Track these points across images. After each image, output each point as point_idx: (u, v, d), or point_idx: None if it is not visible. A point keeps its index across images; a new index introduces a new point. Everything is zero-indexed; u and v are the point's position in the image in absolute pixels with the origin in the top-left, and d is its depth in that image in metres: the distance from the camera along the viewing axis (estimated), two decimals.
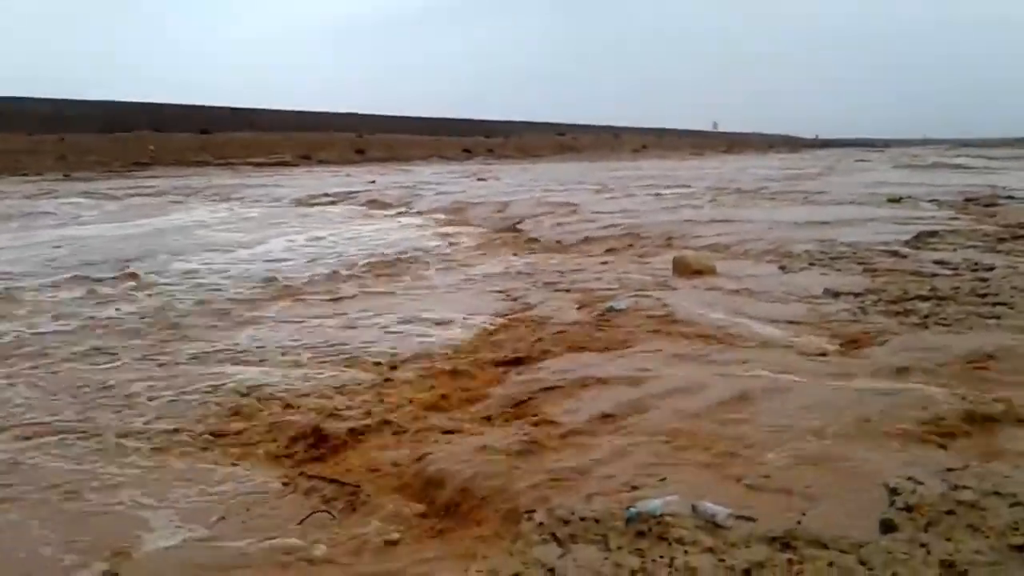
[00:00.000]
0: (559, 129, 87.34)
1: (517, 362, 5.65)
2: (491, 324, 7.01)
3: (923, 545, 2.53)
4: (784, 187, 23.03)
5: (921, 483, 3.03)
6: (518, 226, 14.63)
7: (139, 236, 13.38)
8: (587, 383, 4.83)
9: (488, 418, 4.51)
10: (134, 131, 45.46)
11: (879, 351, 5.36)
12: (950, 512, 2.73)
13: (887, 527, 2.73)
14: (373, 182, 27.83)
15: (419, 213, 17.66)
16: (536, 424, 4.15)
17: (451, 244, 12.42)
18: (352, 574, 2.89)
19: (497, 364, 5.64)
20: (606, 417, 4.19)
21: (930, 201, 17.05)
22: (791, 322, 6.41)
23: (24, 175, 30.82)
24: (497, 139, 67.26)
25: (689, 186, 24.23)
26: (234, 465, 4.11)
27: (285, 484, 3.78)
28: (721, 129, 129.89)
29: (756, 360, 5.14)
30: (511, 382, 5.12)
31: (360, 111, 72.26)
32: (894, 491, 2.98)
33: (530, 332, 6.49)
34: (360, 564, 2.95)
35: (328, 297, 8.43)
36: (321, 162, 42.88)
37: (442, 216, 16.72)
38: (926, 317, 6.33)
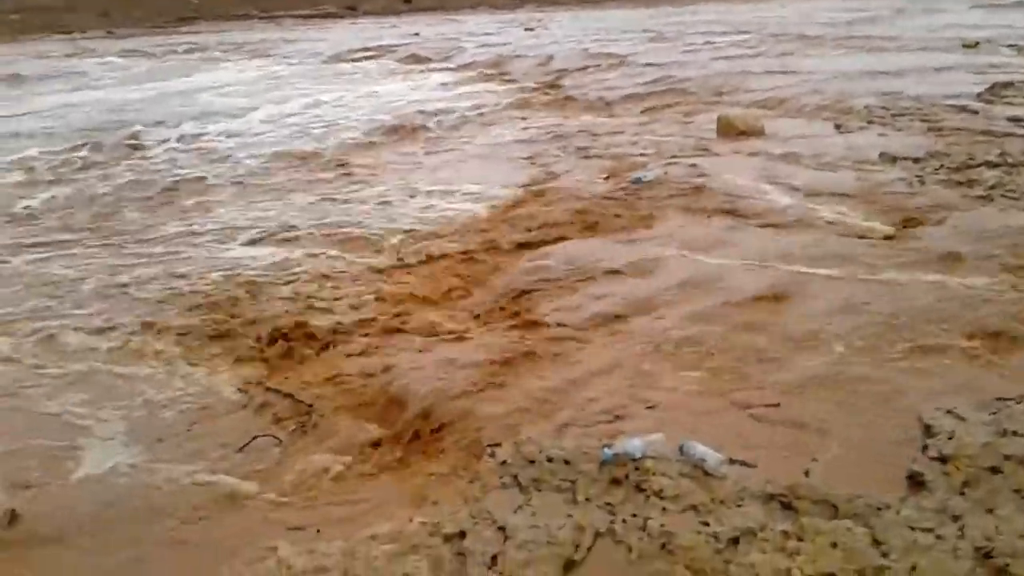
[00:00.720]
0: None
1: (526, 245, 5.12)
2: (510, 197, 6.44)
3: (956, 519, 2.01)
4: (851, 31, 21.35)
5: (963, 419, 2.49)
6: (559, 82, 13.72)
7: (156, 99, 12.85)
8: (593, 274, 4.30)
9: (478, 316, 4.04)
10: None
11: (933, 233, 4.68)
12: (994, 470, 2.19)
13: (915, 483, 2.22)
14: (416, 34, 26.62)
15: (458, 67, 16.74)
16: (525, 326, 3.67)
17: (483, 103, 11.66)
18: (277, 519, 2.50)
19: (505, 248, 5.11)
20: (604, 319, 3.69)
21: (1010, 46, 15.53)
22: (838, 194, 5.71)
23: (69, 33, 30.28)
24: None
25: (748, 31, 22.62)
26: (193, 366, 3.75)
27: (242, 392, 3.40)
28: None
29: (790, 245, 4.53)
30: (513, 271, 4.62)
31: None
32: (928, 430, 2.45)
33: (548, 208, 5.91)
34: (291, 506, 2.57)
35: (339, 166, 7.91)
36: (367, 13, 41.30)
37: (481, 71, 15.80)
38: (992, 188, 5.57)
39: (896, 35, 19.39)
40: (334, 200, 6.57)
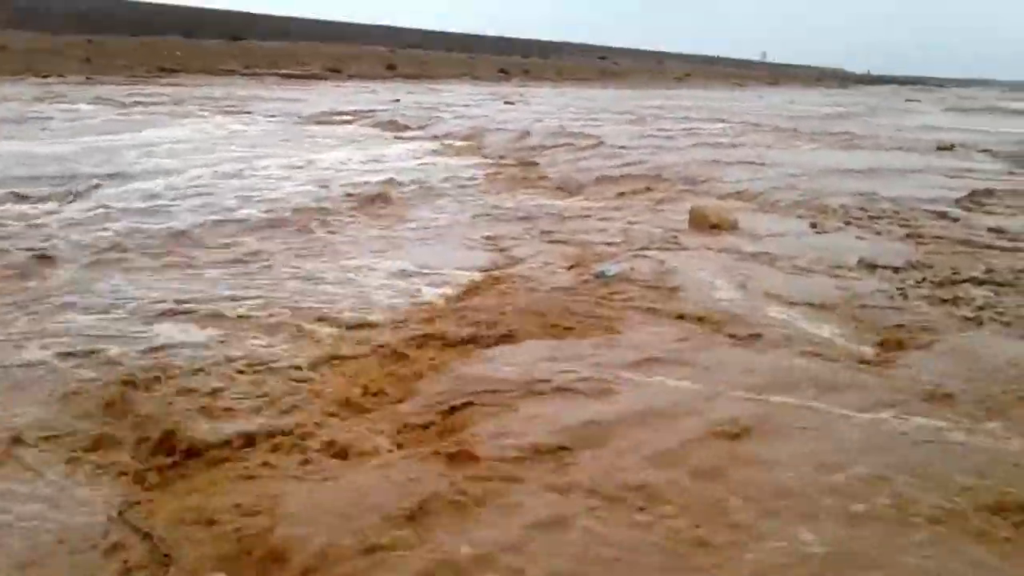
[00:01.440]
0: (601, 52, 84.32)
1: (472, 341, 4.56)
2: (465, 283, 5.90)
3: None
4: (826, 126, 21.38)
5: None
6: (533, 158, 13.37)
7: (87, 152, 12.17)
8: (540, 389, 3.74)
9: (403, 430, 3.45)
10: (165, 35, 44.14)
11: (919, 360, 4.19)
12: None
13: None
14: (397, 101, 26.45)
15: (434, 137, 16.39)
16: (452, 457, 3.07)
17: (453, 177, 11.21)
18: None
19: (448, 344, 4.55)
20: (549, 451, 3.11)
21: (984, 151, 15.47)
22: (815, 305, 5.22)
23: (45, 77, 29.81)
24: (535, 59, 64.97)
25: (724, 120, 22.62)
26: (66, 478, 3.12)
27: (108, 520, 2.78)
28: (770, 60, 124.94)
29: (760, 366, 4.01)
30: (454, 374, 4.04)
31: (391, 24, 70.12)
32: None
33: (502, 299, 5.37)
34: None
35: (290, 235, 7.34)
36: (351, 76, 41.34)
37: (456, 143, 15.45)
38: (980, 309, 5.12)
39: (872, 133, 19.38)
40: (270, 276, 5.99)
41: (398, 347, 4.52)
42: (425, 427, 3.46)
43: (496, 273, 6.20)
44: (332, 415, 3.63)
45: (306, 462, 3.12)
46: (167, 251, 6.63)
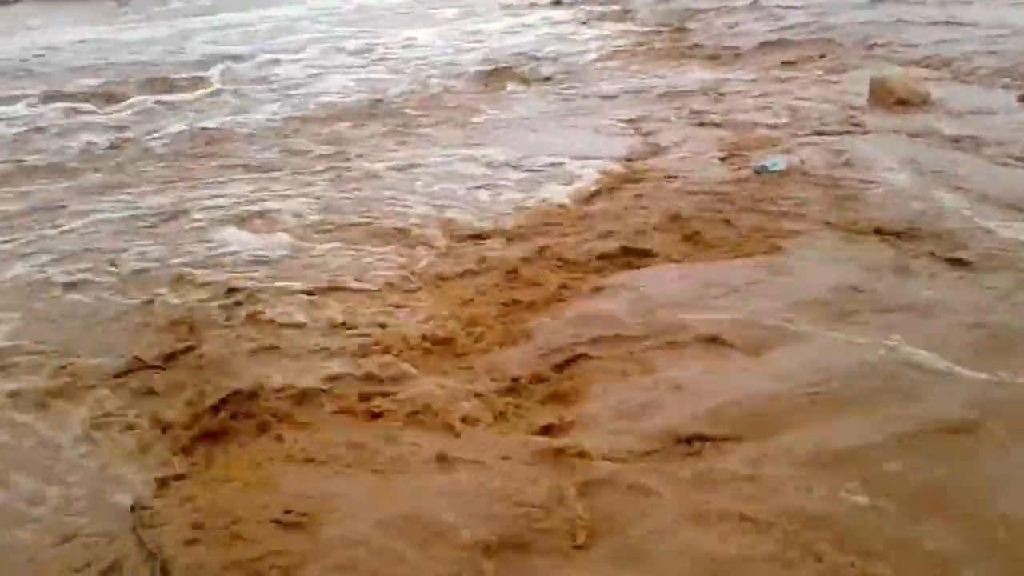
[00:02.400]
0: None
1: (600, 260, 3.70)
2: (597, 179, 4.98)
3: None
4: None
5: None
6: (685, 24, 11.88)
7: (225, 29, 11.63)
8: (680, 337, 2.86)
9: (501, 393, 2.68)
10: None
11: None
12: None
13: None
14: None
15: (575, 3, 15.01)
16: (556, 454, 2.26)
17: (594, 48, 10.03)
18: None
19: (571, 263, 3.71)
20: (688, 441, 2.26)
21: None
22: None
23: None
24: None
25: None
26: (93, 445, 2.56)
27: (129, 511, 2.17)
28: None
29: (993, 305, 2.97)
30: (570, 312, 3.21)
31: None
32: None
33: (639, 201, 4.43)
34: None
35: (398, 121, 6.56)
36: None
37: (600, 8, 14.04)
38: None
39: None
40: (377, 170, 5.26)
41: (512, 265, 3.72)
42: (529, 389, 2.68)
43: (635, 165, 5.22)
44: (431, 353, 2.93)
45: (373, 442, 2.40)
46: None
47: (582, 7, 14.08)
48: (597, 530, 1.91)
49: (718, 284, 3.28)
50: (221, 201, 4.75)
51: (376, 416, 2.57)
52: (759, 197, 4.33)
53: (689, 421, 2.33)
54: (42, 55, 10.21)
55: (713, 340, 2.81)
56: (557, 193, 4.73)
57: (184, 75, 8.56)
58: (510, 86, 7.93)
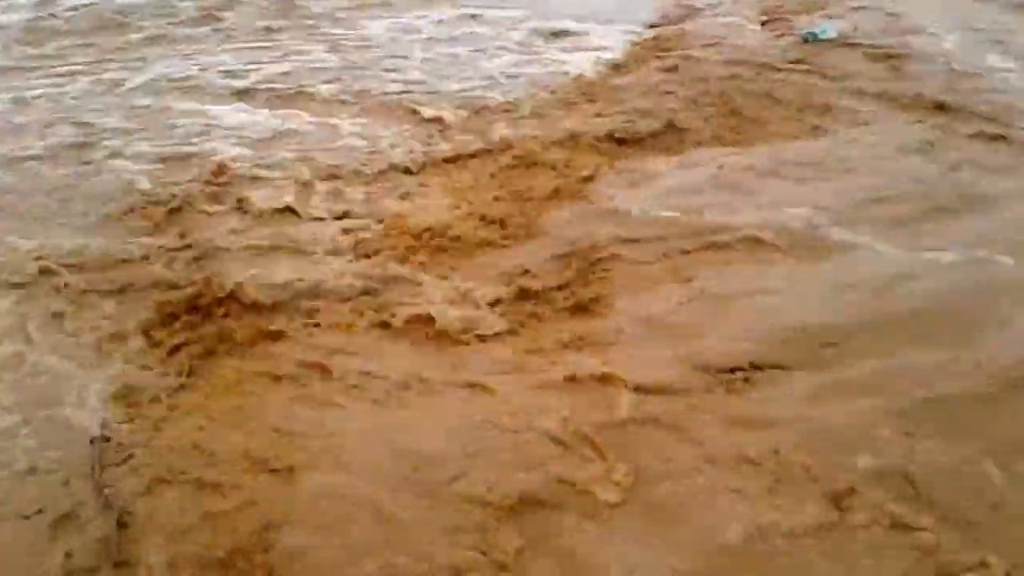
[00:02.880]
0: None
1: (625, 143, 3.30)
2: (621, 47, 4.49)
3: None
4: None
5: None
6: None
7: None
8: (721, 237, 2.51)
9: (520, 294, 2.36)
10: None
11: None
12: None
13: None
14: None
15: None
16: (602, 380, 1.96)
17: None
18: None
19: (593, 145, 3.31)
20: (733, 370, 1.95)
21: None
22: None
23: None
24: None
25: None
26: (56, 353, 2.28)
27: (94, 439, 1.91)
28: None
29: None
30: (592, 206, 2.85)
31: None
32: None
33: (669, 74, 3.97)
34: None
35: None
36: None
37: None
38: None
39: None
40: (372, 34, 4.79)
41: (529, 148, 3.32)
42: (548, 296, 2.35)
43: (667, 31, 4.71)
44: (439, 249, 2.61)
45: (382, 359, 2.10)
46: None
47: None
48: (626, 484, 1.63)
49: (764, 173, 2.89)
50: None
51: (379, 327, 2.26)
52: (806, 68, 3.87)
53: (734, 348, 2.01)
54: None
55: (759, 243, 2.46)
56: (580, 63, 4.26)
57: None
58: None
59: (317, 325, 2.31)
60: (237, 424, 1.89)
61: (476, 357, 2.11)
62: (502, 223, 2.81)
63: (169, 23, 5.09)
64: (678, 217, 2.65)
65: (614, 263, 2.45)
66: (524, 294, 2.39)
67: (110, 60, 4.55)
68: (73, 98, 4.03)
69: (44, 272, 2.62)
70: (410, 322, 2.29)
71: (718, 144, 3.23)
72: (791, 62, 3.95)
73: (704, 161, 3.07)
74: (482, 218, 2.85)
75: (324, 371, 2.08)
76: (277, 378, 2.07)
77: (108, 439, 1.86)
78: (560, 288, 2.41)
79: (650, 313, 2.20)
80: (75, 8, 5.35)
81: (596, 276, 2.42)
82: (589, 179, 3.02)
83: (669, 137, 3.31)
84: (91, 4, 5.40)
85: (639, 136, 3.33)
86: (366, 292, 2.46)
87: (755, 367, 1.93)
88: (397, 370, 2.06)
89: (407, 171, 3.22)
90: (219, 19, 5.14)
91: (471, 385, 1.99)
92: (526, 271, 2.49)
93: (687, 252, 2.46)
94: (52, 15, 5.25)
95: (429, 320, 2.28)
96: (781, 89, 3.63)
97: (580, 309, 2.31)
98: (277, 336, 2.27)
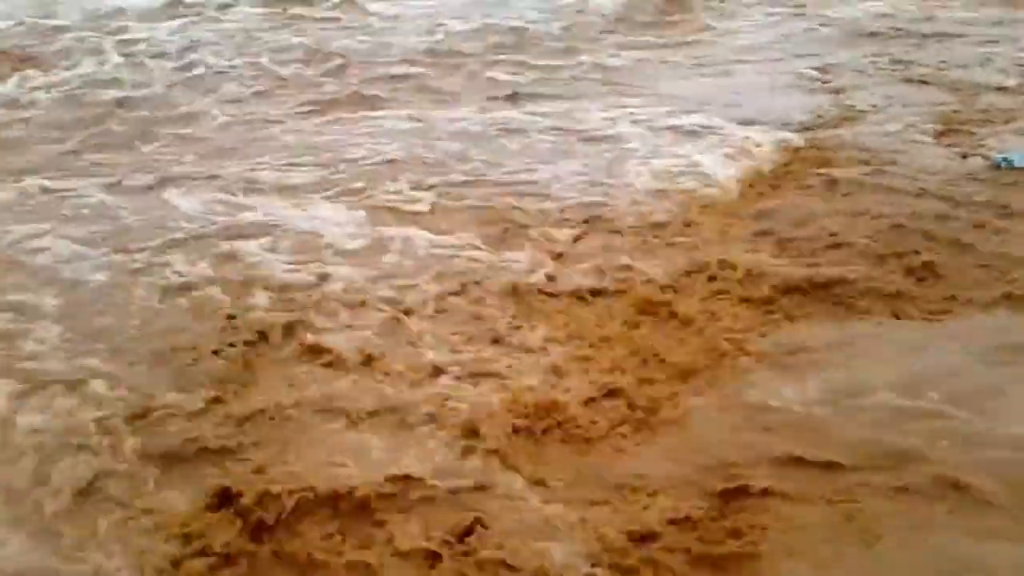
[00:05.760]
0: None
1: (787, 293, 2.66)
2: (768, 155, 3.86)
3: None
4: None
5: None
6: None
7: None
8: (914, 484, 1.83)
9: (637, 538, 1.77)
10: None
11: None
12: None
13: None
14: None
15: None
16: None
17: None
18: None
19: (741, 294, 2.68)
20: None
21: None
22: None
23: None
24: None
25: None
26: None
27: None
28: None
29: None
30: (735, 393, 2.21)
31: None
32: None
33: (835, 200, 3.31)
34: None
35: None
36: None
37: None
38: None
39: None
40: (499, 123, 4.30)
41: (660, 289, 2.72)
42: (673, 538, 1.74)
43: (823, 137, 4.04)
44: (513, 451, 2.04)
45: None
46: None
47: None
48: None
49: (969, 372, 2.20)
50: None
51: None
52: (1005, 205, 3.14)
53: None
54: None
55: (959, 489, 1.77)
56: (715, 174, 3.64)
57: None
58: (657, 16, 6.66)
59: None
60: None
61: None
62: (623, 403, 2.21)
63: None
64: (855, 432, 1.98)
65: (767, 501, 1.80)
66: (640, 536, 1.77)
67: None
68: None
69: None
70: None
71: (894, 309, 2.54)
72: (984, 195, 3.23)
73: (877, 334, 2.39)
74: (599, 394, 2.26)
75: None
76: None
77: None
78: (691, 527, 1.79)
79: None
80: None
81: (741, 517, 1.78)
82: (736, 347, 2.39)
83: (832, 293, 2.64)
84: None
85: (794, 286, 2.69)
86: (446, 500, 1.91)
87: None
88: None
89: (503, 310, 2.67)
90: None
91: None
92: (649, 492, 1.88)
93: (868, 489, 1.80)
94: None
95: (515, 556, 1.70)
96: (973, 235, 2.92)
97: (717, 567, 1.69)
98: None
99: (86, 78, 5.17)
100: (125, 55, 5.65)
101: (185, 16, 6.56)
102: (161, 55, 5.66)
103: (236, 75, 5.21)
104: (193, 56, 5.56)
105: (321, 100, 4.78)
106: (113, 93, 4.91)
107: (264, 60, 5.45)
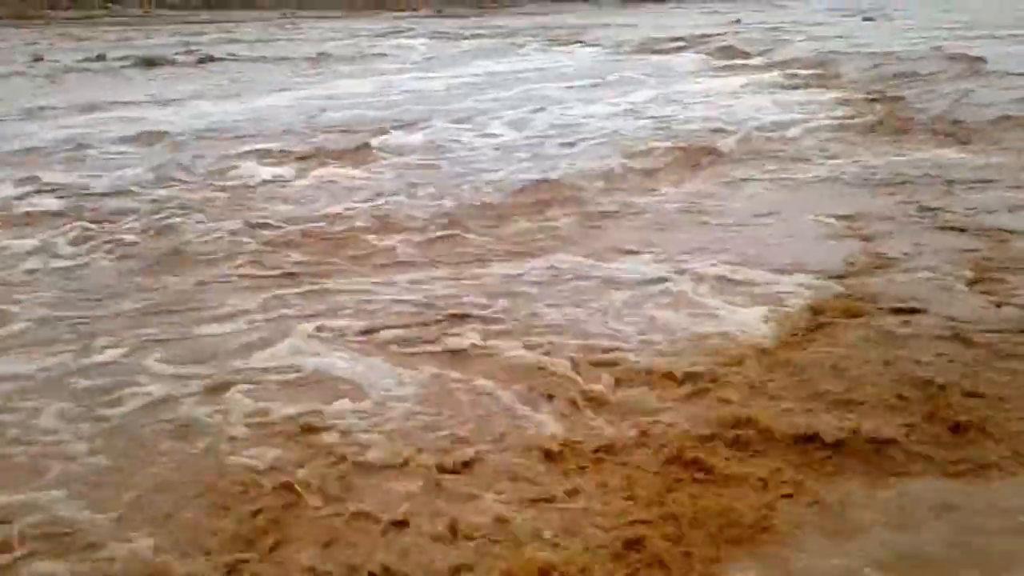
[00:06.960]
0: None
1: (808, 452, 2.57)
2: (806, 304, 3.83)
3: None
4: None
5: None
6: (898, 92, 10.38)
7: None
8: None
9: None
10: None
11: None
12: None
13: None
14: (738, 21, 23.60)
15: (775, 66, 13.76)
16: None
17: (796, 121, 8.78)
18: None
19: (779, 452, 2.60)
20: None
21: None
22: None
23: (401, 11, 30.69)
24: None
25: None
26: None
27: None
28: None
29: None
30: (776, 565, 2.10)
31: None
32: None
33: (868, 350, 3.25)
34: None
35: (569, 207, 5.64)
36: None
37: (802, 71, 12.70)
38: None
39: None
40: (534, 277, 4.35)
41: (689, 442, 2.65)
42: None
43: (856, 285, 4.02)
44: None
45: None
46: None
47: (784, 71, 12.81)
48: None
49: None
50: None
51: None
52: None
53: None
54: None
55: None
56: (751, 323, 3.61)
57: None
58: (708, 166, 6.84)
59: None
60: None
61: None
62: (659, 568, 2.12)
63: None
64: None
65: None
66: None
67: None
68: None
69: None
70: None
71: (935, 469, 2.44)
72: (1007, 341, 3.16)
73: (923, 498, 2.28)
74: (631, 559, 2.17)
75: None
76: None
77: None
78: None
79: None
80: None
81: None
82: (771, 509, 2.30)
83: (868, 451, 2.55)
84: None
85: (830, 443, 2.60)
86: None
87: None
88: None
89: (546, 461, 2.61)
90: None
91: None
92: None
93: None
94: None
95: None
96: (1013, 391, 2.83)
97: None
98: None
99: None
100: None
101: None
102: None
103: None
104: None
105: None
106: None
107: None
